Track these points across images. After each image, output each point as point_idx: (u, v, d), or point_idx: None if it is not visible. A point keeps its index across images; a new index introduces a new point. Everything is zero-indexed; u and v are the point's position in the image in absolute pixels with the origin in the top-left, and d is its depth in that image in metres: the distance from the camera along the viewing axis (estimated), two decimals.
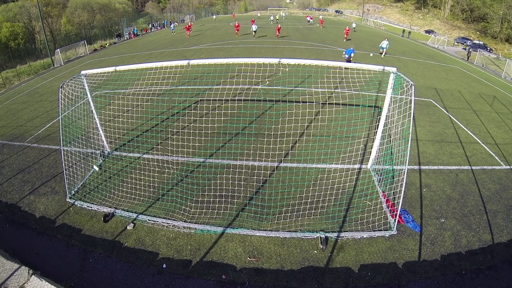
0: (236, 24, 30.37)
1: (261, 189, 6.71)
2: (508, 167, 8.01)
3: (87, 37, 38.17)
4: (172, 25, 40.82)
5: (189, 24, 34.95)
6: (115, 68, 6.70)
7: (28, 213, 6.46)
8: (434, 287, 4.66)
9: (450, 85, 16.03)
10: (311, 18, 49.04)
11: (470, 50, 28.85)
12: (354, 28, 41.27)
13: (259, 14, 63.97)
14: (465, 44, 37.68)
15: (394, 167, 7.08)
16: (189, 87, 13.30)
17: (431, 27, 50.56)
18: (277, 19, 52.77)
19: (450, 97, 13.73)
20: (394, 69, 5.97)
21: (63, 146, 7.18)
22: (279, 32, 30.07)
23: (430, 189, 6.97)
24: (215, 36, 31.40)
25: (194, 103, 11.25)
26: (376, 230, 5.60)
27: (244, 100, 11.38)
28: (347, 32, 28.74)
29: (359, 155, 7.65)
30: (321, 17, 58.94)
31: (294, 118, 7.59)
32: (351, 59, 16.49)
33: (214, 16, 64.19)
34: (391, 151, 7.42)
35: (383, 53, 21.60)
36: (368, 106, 10.63)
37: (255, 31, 29.63)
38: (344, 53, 17.11)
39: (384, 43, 21.15)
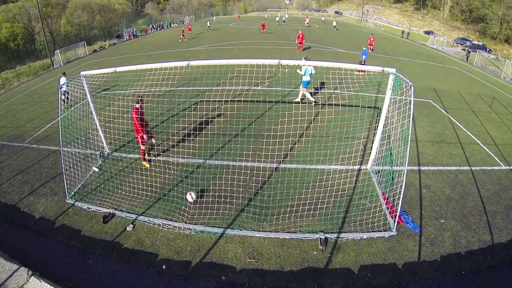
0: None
1: (260, 190, 6.70)
2: (508, 167, 8.02)
3: (87, 38, 38.22)
4: (208, 23, 42.51)
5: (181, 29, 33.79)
6: (114, 69, 6.69)
7: (27, 214, 6.44)
8: None
9: (450, 86, 16.07)
10: (307, 19, 48.27)
11: (469, 50, 28.90)
12: (334, 26, 40.92)
13: (266, 16, 63.13)
14: (464, 45, 37.77)
15: (394, 168, 7.08)
16: (188, 88, 13.32)
17: (431, 28, 50.73)
18: (307, 24, 43.82)
19: (450, 98, 13.76)
20: (393, 70, 5.98)
21: (62, 147, 7.18)
22: (301, 44, 21.81)
23: (429, 189, 6.97)
24: (214, 37, 31.44)
25: (193, 104, 11.25)
26: (375, 231, 5.60)
27: (243, 101, 11.38)
28: (371, 42, 22.61)
29: (358, 156, 7.65)
30: (322, 17, 58.73)
31: (294, 119, 7.59)
32: (363, 62, 15.17)
33: (214, 17, 64.21)
34: (391, 152, 7.42)
35: None
36: (367, 107, 10.64)
37: None
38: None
39: None
